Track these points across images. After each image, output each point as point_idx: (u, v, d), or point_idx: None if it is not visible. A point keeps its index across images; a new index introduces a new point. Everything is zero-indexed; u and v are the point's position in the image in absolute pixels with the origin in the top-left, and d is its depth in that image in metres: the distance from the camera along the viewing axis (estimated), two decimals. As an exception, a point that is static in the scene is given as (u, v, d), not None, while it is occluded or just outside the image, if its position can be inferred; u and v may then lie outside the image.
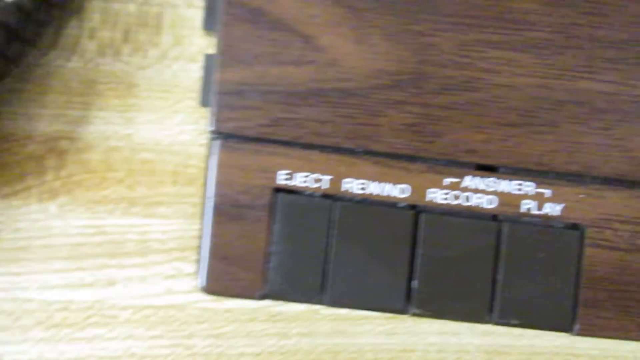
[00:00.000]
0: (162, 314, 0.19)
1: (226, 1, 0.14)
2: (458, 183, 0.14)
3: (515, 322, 0.14)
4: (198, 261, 0.15)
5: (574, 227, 0.14)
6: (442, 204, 0.14)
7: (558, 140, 0.14)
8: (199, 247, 0.15)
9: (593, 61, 0.14)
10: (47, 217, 0.19)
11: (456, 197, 0.14)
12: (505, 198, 0.14)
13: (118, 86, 0.19)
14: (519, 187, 0.14)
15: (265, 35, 0.14)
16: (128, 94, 0.19)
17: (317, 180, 0.14)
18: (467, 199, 0.14)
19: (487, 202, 0.14)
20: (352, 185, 0.14)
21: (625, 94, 0.14)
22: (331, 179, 0.14)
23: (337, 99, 0.14)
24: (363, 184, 0.14)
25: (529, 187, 0.14)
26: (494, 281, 0.14)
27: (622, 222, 0.14)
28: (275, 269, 0.14)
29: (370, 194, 0.14)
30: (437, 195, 0.14)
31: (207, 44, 0.20)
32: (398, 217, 0.14)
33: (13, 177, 0.19)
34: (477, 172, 0.14)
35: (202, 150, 0.19)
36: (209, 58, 0.17)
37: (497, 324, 0.15)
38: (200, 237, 0.15)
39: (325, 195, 0.14)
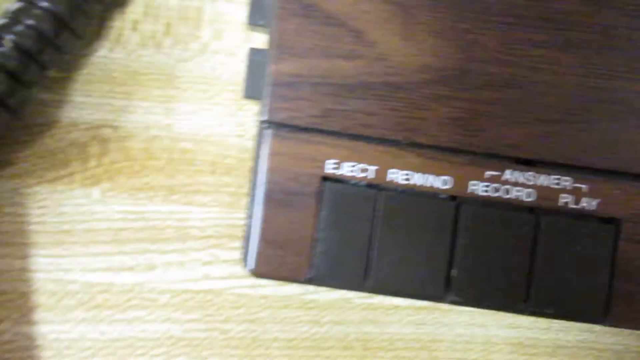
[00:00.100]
0: (200, 298, 0.19)
1: (282, -4, 0.14)
2: (499, 176, 0.15)
3: (550, 312, 0.15)
4: (245, 245, 0.15)
5: (609, 221, 0.15)
6: (482, 196, 0.15)
7: (596, 137, 0.15)
8: (246, 232, 0.15)
9: (631, 62, 0.15)
10: (90, 202, 0.19)
11: (496, 190, 0.15)
12: (544, 192, 0.15)
13: (159, 77, 0.20)
14: (557, 181, 0.15)
15: (318, 29, 0.14)
16: (169, 85, 0.20)
17: (364, 170, 0.15)
18: (507, 191, 0.15)
19: (526, 195, 0.15)
20: (397, 176, 0.15)
21: (662, 95, 0.15)
22: (377, 169, 0.15)
23: (384, 92, 0.14)
24: (407, 174, 0.15)
25: (566, 181, 0.15)
26: (530, 272, 0.15)
27: (656, 217, 0.15)
28: (320, 255, 0.14)
29: (414, 185, 0.15)
30: (478, 188, 0.15)
31: (246, 38, 0.20)
32: (440, 207, 0.15)
33: (58, 163, 0.19)
34: (517, 166, 0.15)
35: (240, 142, 0.20)
36: (253, 51, 0.18)
37: (532, 313, 0.15)
38: (247, 222, 0.15)
39: (370, 185, 0.15)
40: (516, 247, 0.15)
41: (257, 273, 0.14)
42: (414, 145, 0.15)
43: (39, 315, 0.19)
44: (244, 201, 0.20)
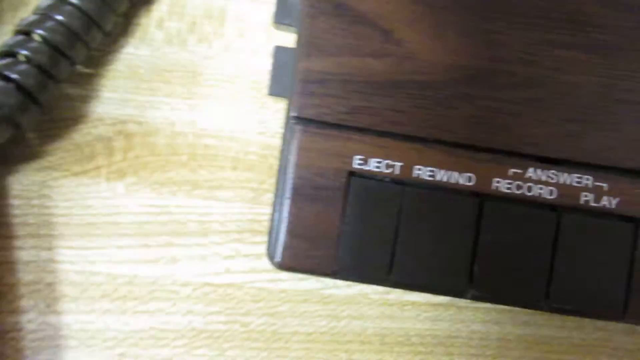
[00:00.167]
0: (221, 291, 0.20)
1: (313, -5, 0.15)
2: (522, 174, 0.15)
3: (569, 308, 0.15)
4: (270, 239, 0.16)
5: (629, 219, 0.15)
6: (505, 193, 0.15)
7: (617, 137, 0.15)
8: (272, 226, 0.16)
9: (653, 64, 0.15)
10: (115, 196, 0.20)
11: (519, 187, 0.15)
12: (565, 190, 0.15)
13: (184, 74, 0.20)
14: (578, 180, 0.15)
15: (347, 28, 0.15)
16: (193, 83, 0.20)
17: (389, 166, 0.15)
18: (529, 189, 0.15)
19: (548, 193, 0.15)
20: (422, 172, 0.15)
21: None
22: (402, 166, 0.15)
23: (411, 90, 0.15)
24: (432, 171, 0.15)
25: (587, 180, 0.15)
26: (551, 268, 0.15)
27: (676, 217, 0.15)
28: (346, 248, 0.15)
29: (439, 181, 0.15)
30: (501, 185, 0.15)
31: (269, 37, 0.21)
32: (464, 204, 0.15)
33: (84, 157, 0.20)
34: (539, 164, 0.15)
35: (262, 139, 0.20)
36: (278, 50, 0.18)
37: (551, 310, 0.15)
38: (273, 216, 0.16)
39: (396, 181, 0.15)
40: (537, 244, 0.15)
41: (284, 266, 0.15)
42: (439, 142, 0.15)
43: (64, 305, 0.19)
44: (265, 197, 0.20)
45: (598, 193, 0.15)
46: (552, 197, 0.15)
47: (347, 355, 0.20)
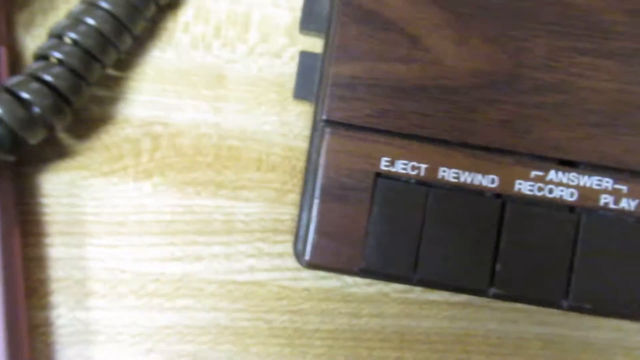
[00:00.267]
0: (245, 289, 0.20)
1: (344, 3, 0.15)
2: (543, 176, 0.15)
3: (588, 308, 0.16)
4: (296, 238, 0.16)
5: (648, 221, 0.16)
6: (527, 195, 0.15)
7: (636, 141, 0.15)
8: (298, 225, 0.16)
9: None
10: (142, 195, 0.20)
11: (540, 189, 0.16)
12: (585, 192, 0.16)
13: (208, 77, 0.21)
14: (598, 182, 0.16)
15: (377, 34, 0.15)
16: (217, 85, 0.21)
17: (415, 168, 0.15)
18: (551, 191, 0.16)
19: (569, 195, 0.16)
20: (447, 174, 0.15)
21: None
22: (427, 167, 0.15)
23: (438, 94, 0.15)
24: (457, 173, 0.15)
25: (607, 183, 0.16)
26: (570, 269, 0.16)
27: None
28: (372, 247, 0.15)
29: (463, 183, 0.15)
30: (523, 187, 0.15)
31: (291, 42, 0.21)
32: (486, 205, 0.15)
33: (112, 157, 0.20)
34: (561, 167, 0.16)
35: (284, 140, 0.21)
36: (304, 55, 0.19)
37: (570, 309, 0.16)
38: (300, 216, 0.16)
39: (421, 182, 0.15)
40: (558, 245, 0.15)
41: (312, 264, 0.15)
42: (464, 145, 0.15)
43: (93, 301, 0.20)
44: (288, 197, 0.20)
45: (617, 195, 0.16)
46: (572, 199, 0.16)
47: (368, 352, 0.20)
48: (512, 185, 0.15)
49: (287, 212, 0.20)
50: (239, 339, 0.20)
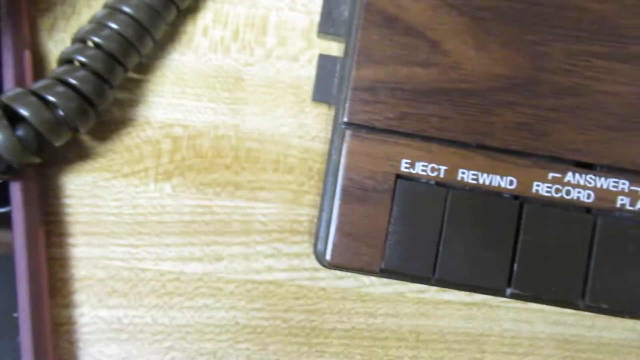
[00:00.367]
0: (263, 288, 0.20)
1: (366, 9, 0.16)
2: (561, 178, 0.16)
3: (605, 307, 0.16)
4: (316, 238, 0.17)
5: (664, 223, 0.16)
6: (545, 196, 0.16)
7: (652, 144, 0.16)
8: (319, 226, 0.16)
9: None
10: (162, 196, 0.21)
11: (557, 191, 0.16)
12: (602, 194, 0.16)
13: (227, 80, 0.21)
14: (615, 184, 0.16)
15: (397, 39, 0.16)
16: (236, 88, 0.21)
17: (435, 170, 0.16)
18: (568, 192, 0.16)
19: (586, 197, 0.16)
20: (466, 176, 0.16)
21: None
22: (447, 169, 0.16)
23: (457, 98, 0.16)
24: (475, 174, 0.16)
25: (624, 184, 0.16)
26: (587, 269, 0.16)
27: None
28: (393, 247, 0.16)
29: (482, 184, 0.16)
30: (541, 188, 0.16)
31: (308, 45, 0.21)
32: (504, 206, 0.16)
33: (133, 159, 0.21)
34: (578, 169, 0.16)
35: (301, 142, 0.21)
36: (322, 58, 0.19)
37: (587, 308, 0.16)
38: (321, 217, 0.16)
39: (440, 183, 0.16)
40: (574, 245, 0.16)
41: (334, 264, 0.16)
42: (483, 147, 0.16)
43: (115, 300, 0.20)
44: (305, 198, 0.21)
45: (634, 197, 0.16)
46: (589, 201, 0.16)
47: (384, 351, 0.20)
48: (530, 186, 0.16)
49: (305, 213, 0.21)
50: (258, 338, 0.20)
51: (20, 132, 0.18)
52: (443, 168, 0.16)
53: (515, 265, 0.16)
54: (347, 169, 0.16)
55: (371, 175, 0.16)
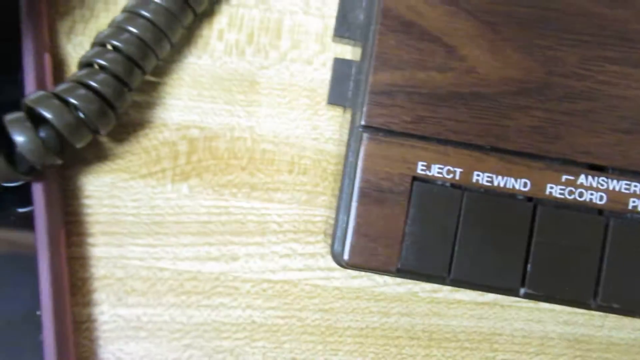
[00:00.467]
0: (278, 288, 0.21)
1: (383, 15, 0.16)
2: (574, 180, 0.16)
3: (616, 307, 0.16)
4: (333, 239, 0.17)
5: (676, 224, 0.16)
6: (558, 198, 0.16)
7: (664, 147, 0.16)
8: (336, 227, 0.17)
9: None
10: (179, 197, 0.21)
11: (571, 193, 0.16)
12: (614, 196, 0.16)
13: (242, 83, 0.21)
14: (627, 186, 0.16)
15: (414, 44, 0.16)
16: (251, 91, 0.22)
17: (450, 172, 0.16)
18: (581, 194, 0.16)
19: (598, 199, 0.16)
20: (481, 178, 0.16)
21: None
22: (462, 172, 0.16)
23: (472, 102, 0.16)
24: (490, 177, 0.16)
25: (635, 187, 0.16)
26: (599, 270, 0.16)
27: None
28: (409, 248, 0.16)
29: (496, 186, 0.16)
30: (554, 190, 0.16)
31: (322, 48, 0.22)
32: (518, 207, 0.16)
33: (150, 160, 0.21)
34: (590, 171, 0.16)
35: (315, 144, 0.21)
36: (338, 61, 0.19)
37: (598, 308, 0.16)
38: (338, 218, 0.17)
39: (456, 185, 0.16)
40: (587, 246, 0.16)
41: (351, 264, 0.16)
42: (497, 150, 0.16)
43: (133, 299, 0.20)
44: (319, 199, 0.21)
45: (646, 199, 0.16)
46: (601, 203, 0.16)
47: (397, 349, 0.21)
48: (544, 189, 0.16)
49: (319, 213, 0.21)
50: (274, 336, 0.21)
51: (43, 134, 0.18)
52: (458, 170, 0.16)
53: (529, 266, 0.16)
54: (365, 171, 0.16)
55: (388, 177, 0.16)
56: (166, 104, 0.21)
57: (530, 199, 0.16)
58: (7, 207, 0.19)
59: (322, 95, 0.22)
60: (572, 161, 0.16)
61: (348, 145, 0.17)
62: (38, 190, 0.19)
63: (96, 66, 0.19)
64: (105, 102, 0.19)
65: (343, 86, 0.19)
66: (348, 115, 0.19)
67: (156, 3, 0.20)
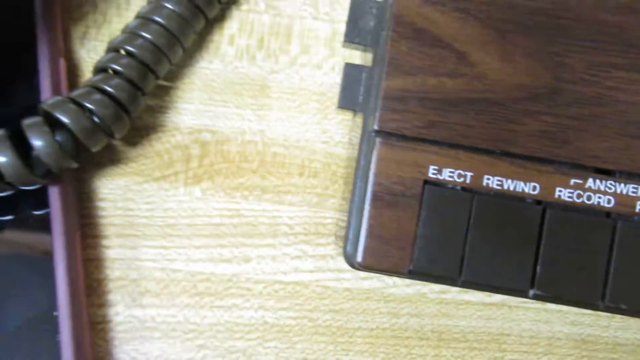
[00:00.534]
0: (290, 289, 0.21)
1: (396, 22, 0.16)
2: (582, 184, 0.16)
3: (624, 308, 0.16)
4: (346, 241, 0.17)
5: (682, 227, 0.16)
6: (566, 201, 0.16)
7: (670, 151, 0.16)
8: (348, 229, 0.17)
9: None
10: (192, 200, 0.21)
11: (579, 196, 0.16)
12: (622, 199, 0.16)
13: (253, 87, 0.22)
14: (634, 190, 0.16)
15: (426, 50, 0.16)
16: (261, 95, 0.22)
17: (461, 176, 0.16)
18: (589, 198, 0.16)
19: (606, 202, 0.16)
20: (491, 181, 0.16)
21: None
22: (473, 175, 0.16)
23: (482, 107, 0.16)
24: (500, 180, 0.16)
25: (643, 190, 0.17)
26: (607, 271, 0.16)
27: None
28: (420, 250, 0.16)
29: (506, 190, 0.16)
30: (563, 194, 0.16)
31: (331, 53, 0.22)
32: (528, 210, 0.16)
33: (163, 163, 0.21)
34: (598, 175, 0.16)
35: (325, 147, 0.22)
36: (348, 66, 0.20)
37: (606, 309, 0.17)
38: (349, 220, 0.17)
39: (466, 189, 0.16)
40: (595, 249, 0.16)
41: (364, 265, 0.16)
42: (507, 154, 0.16)
43: (148, 300, 0.21)
44: (329, 202, 0.21)
45: (653, 202, 0.16)
46: (609, 206, 0.16)
47: (407, 350, 0.21)
48: (553, 192, 0.16)
49: (329, 215, 0.21)
50: (285, 336, 0.21)
51: (59, 138, 0.19)
52: (469, 174, 0.16)
53: (538, 268, 0.16)
54: (377, 174, 0.16)
55: (400, 181, 0.16)
56: (178, 108, 0.22)
57: (539, 202, 0.17)
58: (24, 210, 0.19)
59: (332, 99, 0.22)
60: (580, 165, 0.16)
61: (360, 149, 0.17)
62: (54, 193, 0.19)
63: (111, 71, 0.20)
64: (120, 107, 0.19)
65: (353, 91, 0.19)
66: (358, 120, 0.20)
67: (169, 9, 0.20)
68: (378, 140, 0.16)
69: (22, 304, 0.19)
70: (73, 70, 0.22)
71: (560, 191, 0.16)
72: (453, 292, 0.21)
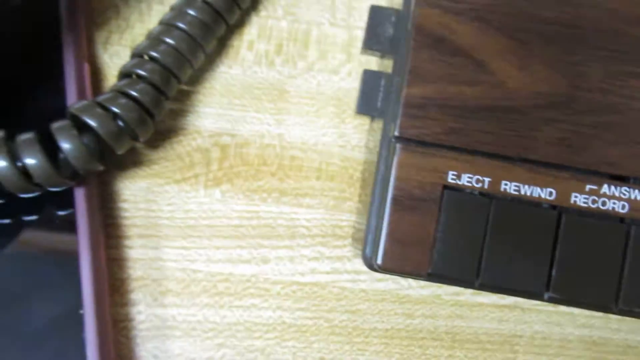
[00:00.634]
0: (307, 290, 0.22)
1: (417, 31, 0.17)
2: (597, 190, 0.17)
3: (637, 310, 0.17)
4: (365, 244, 0.18)
5: (695, 233, 0.17)
6: (582, 207, 0.17)
7: (684, 159, 0.17)
8: (368, 232, 0.18)
9: None
10: (212, 201, 0.22)
11: (594, 202, 0.17)
12: (636, 205, 0.17)
13: (271, 92, 0.22)
14: (648, 196, 0.17)
15: (446, 59, 0.17)
16: (280, 99, 0.22)
17: (479, 181, 0.17)
18: (604, 203, 0.17)
19: (620, 207, 0.17)
20: (508, 187, 0.17)
21: None
22: (491, 181, 0.17)
23: (501, 114, 0.17)
24: (517, 186, 0.17)
25: (657, 196, 0.17)
26: (620, 275, 0.17)
27: None
28: (439, 253, 0.17)
29: (523, 195, 0.17)
30: (578, 199, 0.17)
31: (347, 59, 0.23)
32: (544, 215, 0.17)
33: (184, 166, 0.22)
34: (613, 181, 0.17)
35: (342, 151, 0.22)
36: (366, 73, 0.20)
37: (620, 312, 0.17)
38: (369, 223, 0.17)
39: (484, 194, 0.17)
40: (609, 253, 0.17)
41: (384, 267, 0.17)
42: (525, 160, 0.17)
43: (169, 299, 0.21)
44: (346, 204, 0.22)
45: (666, 208, 0.17)
46: (623, 211, 0.17)
47: (421, 350, 0.21)
48: (568, 197, 0.17)
49: (346, 218, 0.22)
50: (303, 336, 0.21)
51: (86, 140, 0.19)
52: (487, 180, 0.17)
53: (554, 271, 0.17)
54: (398, 179, 0.17)
55: (420, 186, 0.17)
56: (199, 112, 0.22)
57: (555, 208, 0.17)
58: (50, 210, 0.20)
59: (349, 104, 0.22)
60: (596, 171, 0.17)
61: (379, 154, 0.18)
62: (80, 195, 0.20)
63: (135, 76, 0.20)
64: (144, 111, 0.20)
65: (372, 97, 0.20)
66: (376, 125, 0.20)
67: (192, 15, 0.21)
68: (398, 146, 0.17)
69: (48, 302, 0.19)
70: (96, 74, 0.22)
71: (575, 197, 0.17)
72: (467, 294, 0.22)
